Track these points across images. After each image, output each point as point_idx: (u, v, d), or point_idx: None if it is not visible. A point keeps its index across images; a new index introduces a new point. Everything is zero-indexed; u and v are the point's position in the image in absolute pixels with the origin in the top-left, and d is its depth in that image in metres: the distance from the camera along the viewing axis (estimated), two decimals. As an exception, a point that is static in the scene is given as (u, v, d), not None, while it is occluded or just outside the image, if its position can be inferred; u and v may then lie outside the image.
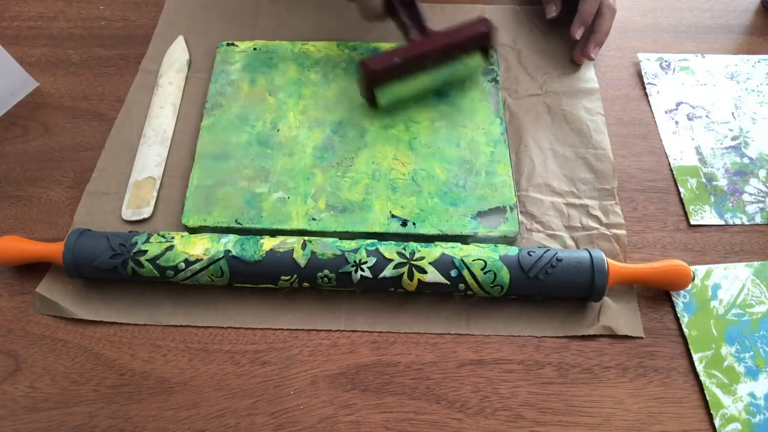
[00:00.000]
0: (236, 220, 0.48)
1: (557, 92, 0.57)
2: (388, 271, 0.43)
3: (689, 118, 0.56)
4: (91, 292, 0.46)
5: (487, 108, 0.54)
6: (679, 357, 0.44)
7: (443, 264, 0.43)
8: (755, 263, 0.48)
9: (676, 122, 0.56)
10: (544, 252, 0.43)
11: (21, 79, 0.57)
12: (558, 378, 0.43)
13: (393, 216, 0.48)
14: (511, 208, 0.48)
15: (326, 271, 0.43)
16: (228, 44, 0.58)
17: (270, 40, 0.59)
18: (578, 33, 0.57)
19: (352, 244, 0.44)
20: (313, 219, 0.48)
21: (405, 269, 0.43)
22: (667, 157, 0.54)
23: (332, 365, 0.43)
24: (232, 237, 0.45)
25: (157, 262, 0.43)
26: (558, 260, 0.43)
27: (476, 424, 0.41)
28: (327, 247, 0.44)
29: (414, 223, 0.47)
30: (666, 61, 0.60)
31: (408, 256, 0.43)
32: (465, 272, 0.43)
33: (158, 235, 0.45)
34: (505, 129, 0.53)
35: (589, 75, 0.58)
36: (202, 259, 0.43)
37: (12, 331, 0.45)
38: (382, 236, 0.47)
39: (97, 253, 0.44)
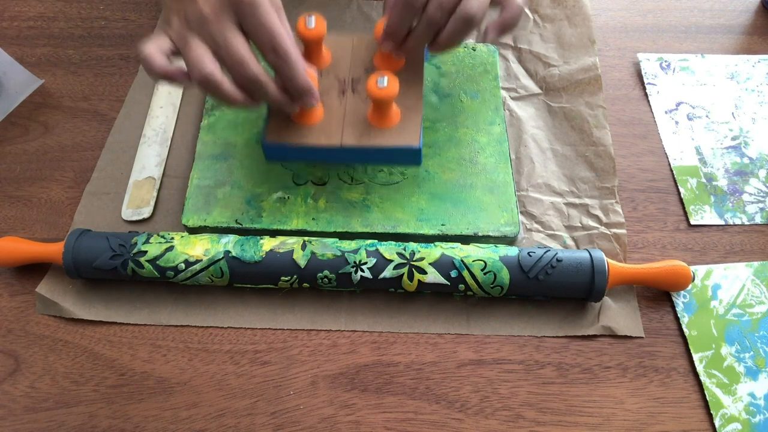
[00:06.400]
0: (236, 220, 0.48)
1: (557, 89, 0.56)
2: (388, 272, 0.43)
3: (689, 118, 0.56)
4: (91, 292, 0.46)
5: (487, 108, 0.54)
6: (679, 357, 0.44)
7: (443, 264, 0.43)
8: (755, 263, 0.48)
9: (676, 122, 0.56)
10: (544, 252, 0.43)
11: (25, 78, 0.57)
12: (558, 378, 0.43)
13: (393, 216, 0.48)
14: (512, 209, 0.48)
15: (326, 272, 0.43)
16: (228, 44, 0.58)
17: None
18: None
19: (352, 245, 0.44)
20: (313, 219, 0.48)
21: (405, 270, 0.43)
22: (667, 157, 0.54)
23: (332, 365, 0.43)
24: (231, 237, 0.45)
25: (157, 262, 0.43)
26: (558, 261, 0.43)
27: (476, 424, 0.41)
28: (327, 248, 0.44)
29: (414, 224, 0.47)
30: (666, 61, 0.60)
31: (408, 257, 0.43)
32: (465, 273, 0.43)
33: (158, 235, 0.45)
34: (505, 129, 0.53)
35: (591, 62, 0.57)
36: (201, 260, 0.43)
37: (12, 331, 0.45)
38: (382, 236, 0.47)
39: (97, 253, 0.44)
